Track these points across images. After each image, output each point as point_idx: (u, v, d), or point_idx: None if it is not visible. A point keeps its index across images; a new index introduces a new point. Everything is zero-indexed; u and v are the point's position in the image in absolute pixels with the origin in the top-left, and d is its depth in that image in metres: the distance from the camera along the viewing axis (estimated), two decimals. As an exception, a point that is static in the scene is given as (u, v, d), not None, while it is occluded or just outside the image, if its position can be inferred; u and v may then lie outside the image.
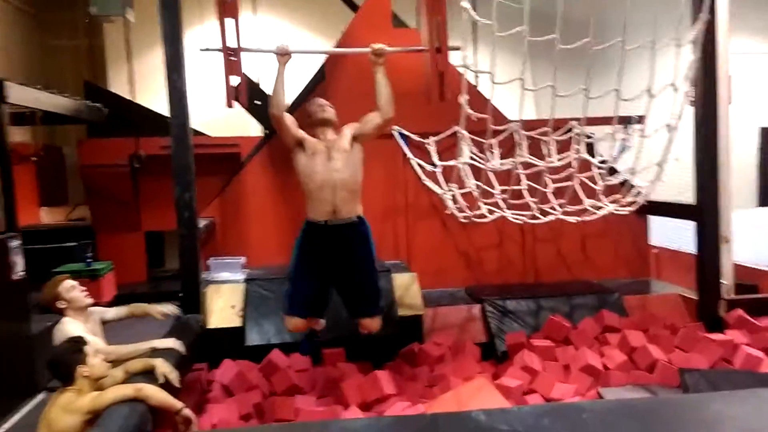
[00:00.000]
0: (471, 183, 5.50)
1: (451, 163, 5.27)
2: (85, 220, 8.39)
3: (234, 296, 5.03)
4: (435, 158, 6.07)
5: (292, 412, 4.04)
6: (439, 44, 4.44)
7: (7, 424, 4.18)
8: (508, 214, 5.24)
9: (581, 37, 4.30)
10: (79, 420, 2.92)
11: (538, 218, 5.22)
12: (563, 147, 5.83)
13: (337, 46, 6.12)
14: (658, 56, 4.39)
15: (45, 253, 6.23)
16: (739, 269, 5.82)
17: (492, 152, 5.75)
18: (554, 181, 5.37)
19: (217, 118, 7.97)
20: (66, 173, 10.06)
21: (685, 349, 4.66)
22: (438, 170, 6.00)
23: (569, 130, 5.79)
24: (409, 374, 4.59)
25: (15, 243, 4.56)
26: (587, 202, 5.26)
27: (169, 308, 3.95)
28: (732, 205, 5.67)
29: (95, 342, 3.40)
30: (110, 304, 6.51)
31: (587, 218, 5.23)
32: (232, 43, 4.52)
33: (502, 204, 5.15)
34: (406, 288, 5.23)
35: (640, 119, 5.19)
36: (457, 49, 4.44)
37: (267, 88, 6.51)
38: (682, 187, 5.85)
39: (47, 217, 9.01)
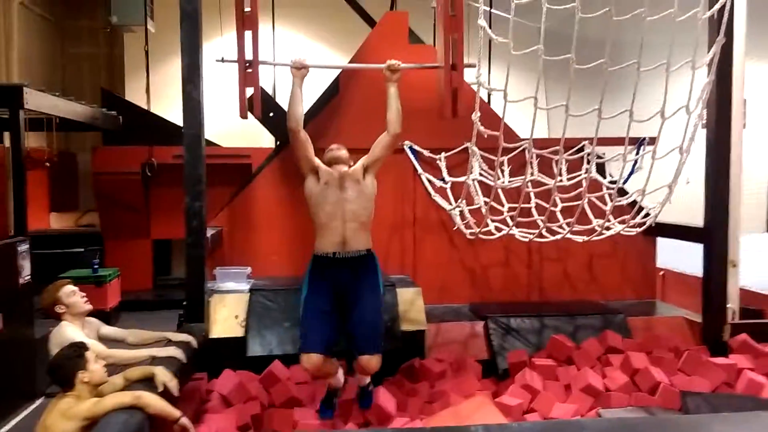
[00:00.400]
0: (480, 200, 5.51)
1: (461, 179, 5.28)
2: (94, 226, 8.49)
3: (238, 306, 5.05)
4: (445, 174, 6.09)
5: (291, 424, 4.04)
6: (454, 61, 4.47)
7: (6, 428, 4.22)
8: (516, 231, 5.24)
9: (596, 57, 4.30)
10: (77, 426, 2.94)
11: (545, 237, 5.21)
12: (574, 166, 5.85)
13: (354, 61, 6.17)
14: (673, 78, 4.39)
15: (52, 258, 6.30)
16: (745, 294, 5.77)
17: (502, 170, 5.78)
18: (563, 200, 5.37)
19: (230, 128, 8.05)
20: (78, 179, 10.19)
21: (687, 373, 4.61)
22: (447, 186, 6.02)
23: (581, 150, 5.80)
24: (410, 389, 4.58)
25: (23, 247, 4.62)
26: (596, 222, 5.24)
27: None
28: (741, 229, 5.64)
29: (95, 345, 3.42)
30: (115, 311, 6.62)
31: (595, 238, 5.22)
32: (249, 55, 4.57)
33: (510, 221, 5.15)
34: (410, 303, 5.23)
35: (652, 141, 5.19)
36: (472, 66, 4.46)
37: (281, 99, 6.60)
38: (691, 209, 5.80)
39: (56, 222, 9.12)
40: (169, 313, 5.08)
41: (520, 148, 5.35)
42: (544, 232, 5.12)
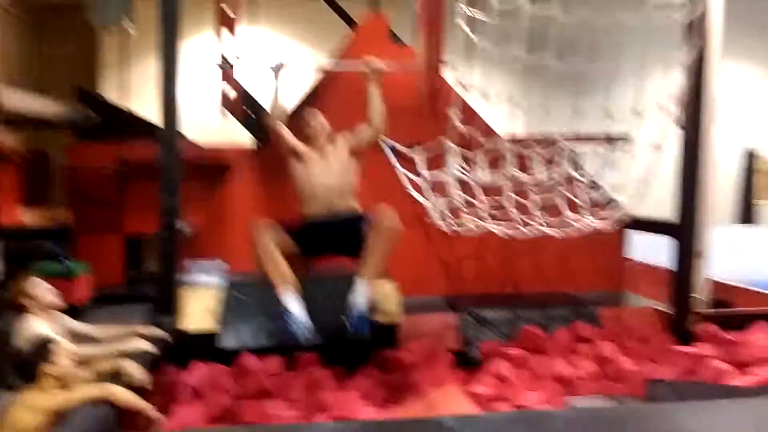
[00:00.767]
0: (456, 194, 5.54)
1: (437, 173, 5.32)
2: (65, 221, 8.41)
3: (210, 299, 5.05)
4: (422, 169, 6.11)
5: (262, 416, 4.05)
6: (435, 61, 4.52)
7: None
8: (492, 225, 5.29)
9: (574, 55, 4.37)
10: (43, 419, 2.91)
11: (522, 232, 5.26)
12: (549, 162, 5.90)
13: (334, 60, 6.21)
14: (649, 76, 4.47)
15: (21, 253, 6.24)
16: (718, 286, 5.87)
17: (477, 164, 5.81)
18: (539, 196, 5.42)
19: (209, 126, 8.03)
20: (51, 176, 10.10)
21: (654, 361, 4.69)
22: (424, 181, 6.04)
23: (556, 146, 5.86)
24: (381, 380, 4.60)
25: (-7, 242, 4.59)
26: (571, 217, 5.30)
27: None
28: (710, 221, 5.74)
29: (62, 341, 3.41)
30: (86, 306, 6.56)
31: (569, 231, 5.28)
32: (229, 54, 4.61)
33: (485, 216, 5.20)
34: (385, 295, 5.26)
35: (626, 138, 5.26)
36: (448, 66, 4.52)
37: (260, 98, 6.60)
38: (658, 203, 5.89)
39: (28, 217, 9.02)
40: (140, 307, 5.06)
41: (497, 145, 5.40)
42: (520, 227, 5.18)
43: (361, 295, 4.14)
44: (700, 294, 5.41)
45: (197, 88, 7.93)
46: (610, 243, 6.46)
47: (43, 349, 3.11)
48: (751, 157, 11.98)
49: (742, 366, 4.49)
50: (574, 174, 5.80)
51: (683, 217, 5.44)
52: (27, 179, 8.74)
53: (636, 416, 3.34)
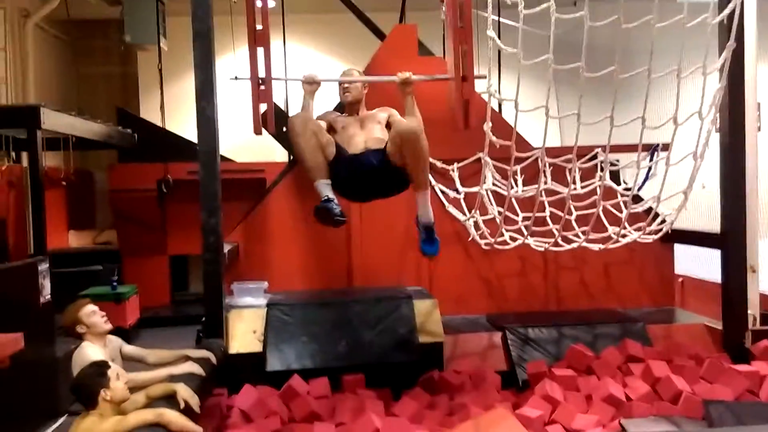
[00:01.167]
0: (494, 210, 5.50)
1: (475, 189, 5.28)
2: (111, 243, 8.57)
3: (255, 321, 5.07)
4: (458, 184, 6.10)
5: (311, 439, 4.03)
6: (465, 72, 4.48)
7: (30, 447, 4.25)
8: (531, 241, 5.23)
9: (607, 63, 4.31)
10: (101, 444, 2.98)
11: (561, 245, 5.19)
12: (588, 174, 5.84)
13: (364, 74, 6.22)
14: (685, 84, 4.38)
15: (71, 277, 6.35)
16: (766, 299, 5.70)
17: (515, 179, 5.77)
18: (578, 209, 5.36)
19: (244, 143, 8.11)
20: (95, 197, 10.30)
21: (709, 381, 4.56)
22: (461, 196, 6.02)
23: (594, 158, 5.80)
24: (429, 402, 4.56)
25: (43, 266, 4.67)
26: (611, 230, 5.22)
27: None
28: (759, 233, 5.59)
29: (116, 367, 3.44)
30: (134, 328, 6.66)
31: (611, 246, 5.19)
32: (262, 71, 4.61)
33: (524, 231, 5.14)
34: (427, 314, 5.22)
35: (666, 147, 5.15)
36: (483, 77, 4.48)
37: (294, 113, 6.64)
38: (711, 215, 5.78)
39: (75, 240, 9.21)
40: (187, 329, 5.10)
41: (533, 157, 5.36)
42: (559, 240, 5.11)
43: (423, 207, 4.44)
44: (753, 309, 5.26)
45: (233, 105, 8.03)
46: (657, 257, 6.35)
47: (99, 374, 3.15)
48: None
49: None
50: (614, 185, 5.72)
51: (729, 228, 5.31)
52: (72, 201, 8.93)
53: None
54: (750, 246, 5.33)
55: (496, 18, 5.56)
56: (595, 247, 5.25)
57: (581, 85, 4.28)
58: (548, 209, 5.64)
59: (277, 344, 4.96)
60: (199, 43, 4.78)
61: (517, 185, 5.80)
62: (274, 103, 4.93)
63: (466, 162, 6.07)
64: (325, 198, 4.20)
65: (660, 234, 5.21)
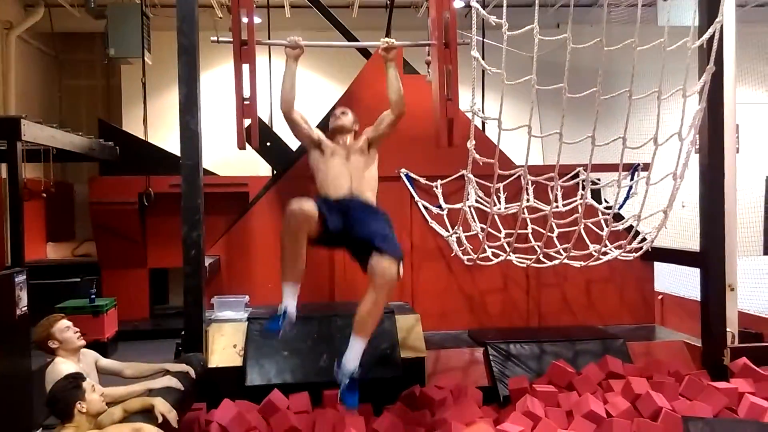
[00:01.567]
0: (477, 226, 5.53)
1: (458, 206, 5.31)
2: (90, 256, 8.47)
3: (236, 335, 5.02)
4: (441, 201, 6.13)
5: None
6: (449, 92, 4.53)
7: (4, 461, 4.16)
8: (513, 257, 5.26)
9: (589, 84, 4.38)
10: (77, 458, 2.93)
11: (542, 262, 5.23)
12: (569, 192, 5.90)
13: (350, 90, 6.27)
14: (665, 105, 4.47)
15: (49, 289, 6.27)
16: (744, 317, 5.76)
17: (498, 196, 5.81)
18: (560, 226, 5.40)
19: (227, 156, 8.10)
20: (74, 209, 10.21)
21: (689, 397, 4.59)
22: (444, 213, 6.05)
23: (575, 176, 5.86)
24: (410, 418, 4.53)
25: (20, 278, 4.60)
26: (592, 247, 5.27)
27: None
28: (737, 252, 5.67)
29: (91, 381, 3.39)
30: (112, 341, 6.57)
31: (592, 263, 5.24)
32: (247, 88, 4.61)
33: (507, 247, 5.17)
34: (409, 329, 5.22)
35: (646, 167, 5.22)
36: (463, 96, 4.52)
37: (278, 129, 6.65)
38: (690, 234, 5.85)
39: (53, 252, 9.11)
40: (166, 342, 5.04)
41: (516, 175, 5.41)
42: (541, 257, 5.15)
43: (351, 350, 3.69)
44: (732, 327, 5.32)
45: (216, 119, 8.02)
46: (637, 275, 6.40)
47: (74, 386, 3.10)
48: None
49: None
50: (595, 204, 5.78)
51: (708, 247, 5.38)
52: (51, 213, 8.84)
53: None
54: (729, 264, 5.40)
55: (481, 39, 5.64)
56: (577, 264, 5.29)
57: (564, 106, 4.34)
58: (530, 226, 5.68)
59: (258, 358, 4.92)
60: (184, 58, 4.77)
61: (499, 202, 5.85)
62: (259, 118, 4.94)
63: (449, 179, 6.10)
64: (280, 314, 3.87)
65: (640, 252, 5.27)
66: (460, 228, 5.31)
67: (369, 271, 3.69)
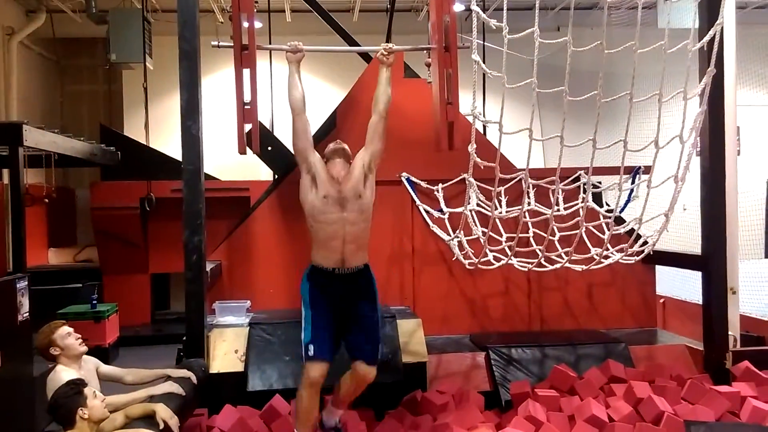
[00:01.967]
0: (478, 230, 5.53)
1: (459, 210, 5.31)
2: (92, 261, 8.48)
3: (237, 340, 5.02)
4: (443, 205, 6.13)
5: (292, 459, 3.98)
6: (450, 95, 4.53)
7: (5, 467, 4.16)
8: (515, 261, 5.25)
9: (590, 87, 4.38)
10: (78, 463, 2.93)
11: (544, 266, 5.22)
12: (571, 196, 5.89)
13: (350, 94, 6.27)
14: (666, 107, 4.47)
15: (51, 294, 6.26)
16: (745, 320, 5.75)
17: (499, 200, 5.81)
18: (561, 230, 5.39)
19: (229, 161, 8.10)
20: (76, 215, 10.22)
21: (691, 401, 4.58)
22: (445, 217, 6.05)
23: (577, 179, 5.86)
24: (412, 423, 4.53)
25: (22, 284, 4.60)
26: (594, 251, 5.26)
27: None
28: (739, 255, 5.65)
29: (93, 387, 3.38)
30: (113, 346, 6.57)
31: (594, 267, 5.23)
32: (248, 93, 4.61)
33: (508, 251, 5.17)
34: (411, 334, 5.21)
35: (647, 170, 5.23)
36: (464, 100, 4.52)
37: (279, 134, 6.66)
38: (692, 237, 5.84)
39: (55, 257, 9.12)
40: (167, 348, 5.03)
41: (517, 179, 5.42)
42: (542, 261, 5.14)
43: (332, 420, 4.26)
44: (734, 331, 5.30)
45: (217, 124, 8.04)
46: (639, 278, 6.39)
47: (75, 392, 3.10)
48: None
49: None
50: (596, 207, 5.78)
51: (710, 250, 5.37)
52: (53, 219, 8.84)
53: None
54: (730, 267, 5.39)
55: (481, 42, 5.65)
56: (578, 267, 5.28)
57: (564, 109, 4.34)
58: (532, 230, 5.68)
59: (259, 364, 4.91)
60: (186, 62, 4.79)
61: (501, 206, 5.85)
62: (260, 123, 4.94)
63: (450, 182, 6.10)
64: None
65: (642, 255, 5.26)
66: (462, 232, 5.31)
67: (352, 369, 4.04)
